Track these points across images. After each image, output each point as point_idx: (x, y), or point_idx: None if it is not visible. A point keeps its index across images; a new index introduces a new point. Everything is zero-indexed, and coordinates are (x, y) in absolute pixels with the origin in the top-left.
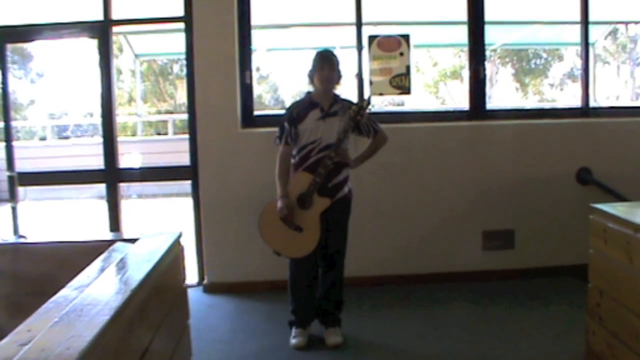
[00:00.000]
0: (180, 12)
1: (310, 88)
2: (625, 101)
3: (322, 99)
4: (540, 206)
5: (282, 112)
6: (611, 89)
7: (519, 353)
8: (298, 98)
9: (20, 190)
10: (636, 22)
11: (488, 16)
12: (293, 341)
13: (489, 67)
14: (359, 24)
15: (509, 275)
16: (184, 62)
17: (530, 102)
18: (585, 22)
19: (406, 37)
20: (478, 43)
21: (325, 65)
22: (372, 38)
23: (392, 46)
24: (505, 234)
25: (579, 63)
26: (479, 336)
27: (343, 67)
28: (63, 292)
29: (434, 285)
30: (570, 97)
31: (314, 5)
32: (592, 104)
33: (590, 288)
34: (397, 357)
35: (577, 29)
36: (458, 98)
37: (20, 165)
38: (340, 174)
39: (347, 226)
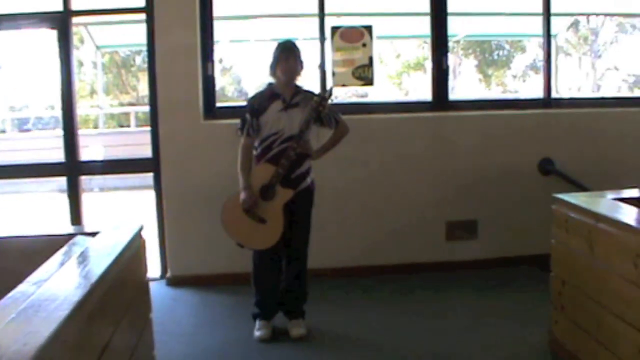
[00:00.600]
0: (141, 2)
1: (272, 80)
2: (587, 92)
3: (283, 90)
4: (503, 196)
5: (244, 104)
6: (573, 81)
7: (483, 342)
8: (260, 89)
9: None
10: (597, 14)
11: (451, 7)
12: (257, 333)
13: (452, 58)
14: (321, 15)
15: (472, 266)
16: (146, 53)
17: (494, 94)
18: (547, 13)
19: (369, 28)
20: (441, 34)
21: (290, 56)
22: (334, 29)
23: (355, 37)
24: (469, 225)
25: (541, 55)
26: (443, 325)
27: (305, 58)
28: (21, 288)
29: (398, 276)
30: (533, 89)
31: None
32: (553, 95)
33: (552, 277)
34: (360, 348)
35: (539, 21)
36: (421, 89)
37: None
38: (303, 165)
39: (311, 218)
